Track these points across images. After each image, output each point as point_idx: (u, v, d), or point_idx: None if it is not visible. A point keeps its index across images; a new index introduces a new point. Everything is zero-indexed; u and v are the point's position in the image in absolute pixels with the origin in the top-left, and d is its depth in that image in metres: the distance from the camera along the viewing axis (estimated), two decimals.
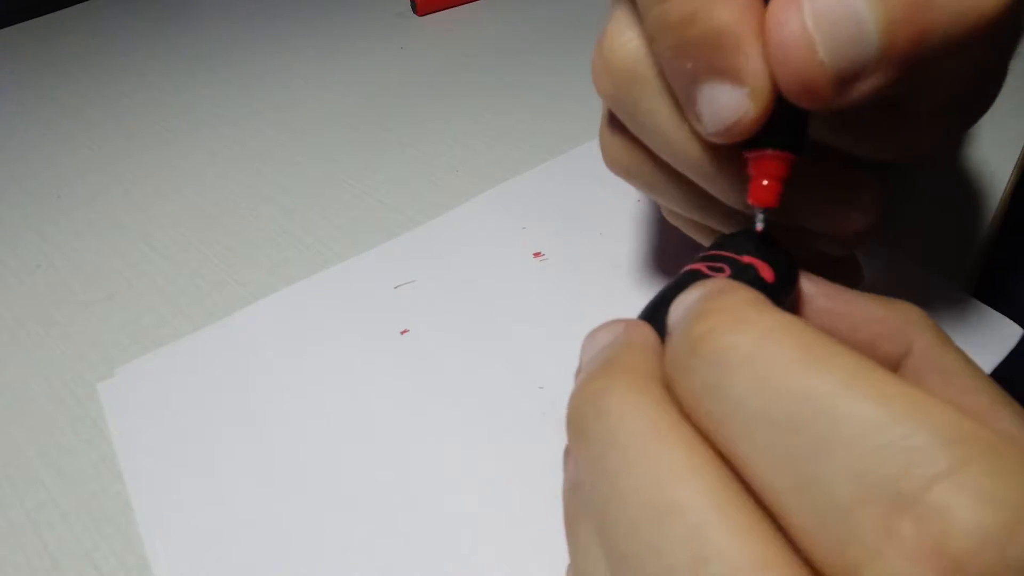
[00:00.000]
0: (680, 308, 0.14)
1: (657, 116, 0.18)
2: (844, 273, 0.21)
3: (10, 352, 0.28)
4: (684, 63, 0.15)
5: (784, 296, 0.17)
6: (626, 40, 0.18)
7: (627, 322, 0.15)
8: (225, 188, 0.37)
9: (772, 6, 0.14)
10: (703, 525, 0.10)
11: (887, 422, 0.10)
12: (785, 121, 0.15)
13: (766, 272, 0.17)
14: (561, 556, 0.18)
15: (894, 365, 0.18)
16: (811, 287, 0.18)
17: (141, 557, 0.21)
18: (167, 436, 0.24)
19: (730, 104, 0.15)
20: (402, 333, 0.26)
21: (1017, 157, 0.33)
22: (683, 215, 0.22)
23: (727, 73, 0.15)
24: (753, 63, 0.14)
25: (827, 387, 0.10)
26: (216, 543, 0.21)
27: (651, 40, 0.16)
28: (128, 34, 0.57)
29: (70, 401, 0.26)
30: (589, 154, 0.36)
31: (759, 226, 0.17)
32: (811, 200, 0.18)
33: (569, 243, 0.30)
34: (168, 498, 0.22)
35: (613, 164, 0.22)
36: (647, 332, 0.15)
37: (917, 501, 0.09)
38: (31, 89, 0.50)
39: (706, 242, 0.23)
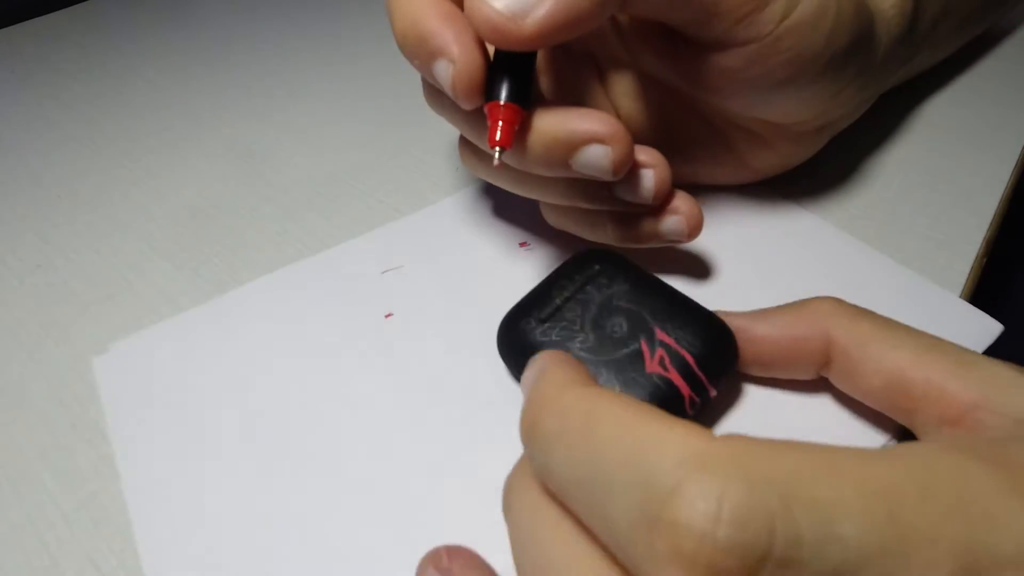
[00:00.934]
0: (524, 387, 0.18)
1: (448, 110, 0.24)
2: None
3: (10, 352, 0.28)
4: (416, 62, 0.21)
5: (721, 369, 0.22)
6: None
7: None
8: (225, 188, 0.37)
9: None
10: (565, 571, 0.14)
11: (640, 461, 0.13)
12: (508, 80, 0.21)
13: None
14: None
15: (826, 356, 0.20)
16: (735, 321, 0.22)
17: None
18: (156, 412, 0.24)
19: (446, 72, 0.20)
20: (386, 316, 0.27)
21: (1017, 157, 0.33)
22: (551, 206, 0.27)
23: (439, 53, 0.20)
24: (444, 40, 0.20)
25: (601, 446, 0.13)
26: (201, 525, 0.21)
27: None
28: (128, 34, 0.57)
29: (70, 401, 0.26)
30: None
31: (495, 163, 0.21)
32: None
33: (554, 234, 0.30)
34: (157, 475, 0.22)
35: (466, 167, 0.27)
36: None
37: (660, 518, 0.12)
38: (31, 89, 0.50)
39: (589, 236, 0.27)
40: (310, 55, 0.50)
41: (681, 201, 0.25)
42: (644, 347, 0.21)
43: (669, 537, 0.12)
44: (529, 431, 0.16)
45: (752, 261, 0.28)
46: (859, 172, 0.33)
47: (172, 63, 0.52)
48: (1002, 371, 0.17)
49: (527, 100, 0.21)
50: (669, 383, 0.20)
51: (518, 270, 0.29)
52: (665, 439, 0.13)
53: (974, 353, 0.18)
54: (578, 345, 0.22)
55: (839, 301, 0.20)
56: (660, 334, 0.21)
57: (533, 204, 0.31)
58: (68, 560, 0.21)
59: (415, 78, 0.46)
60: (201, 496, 0.22)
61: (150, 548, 0.21)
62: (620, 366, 0.21)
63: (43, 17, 0.62)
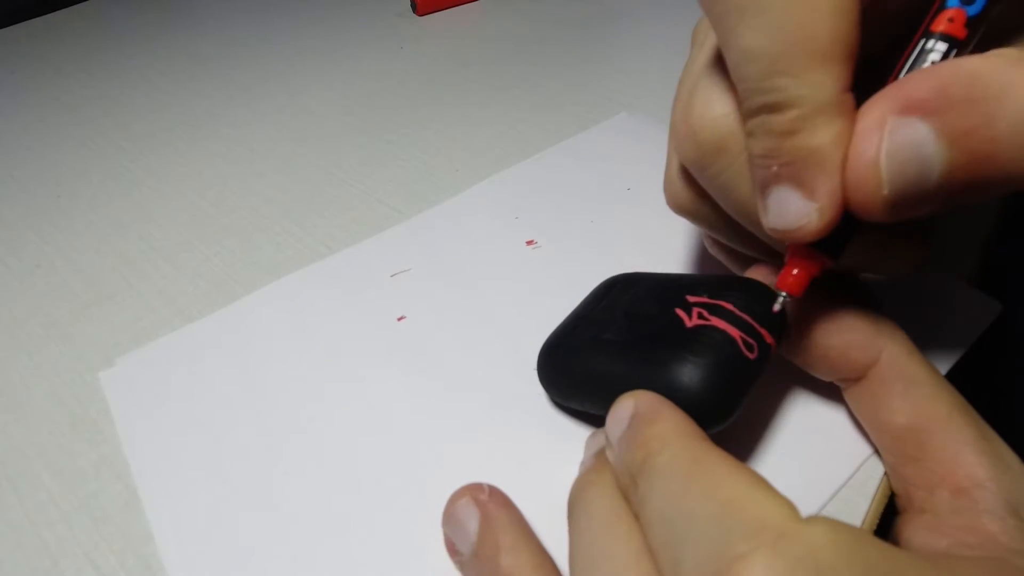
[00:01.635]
0: (617, 423, 0.18)
1: (737, 185, 0.19)
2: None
3: (10, 352, 0.28)
4: (771, 163, 0.16)
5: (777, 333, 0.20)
6: (717, 116, 0.18)
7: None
8: (225, 188, 0.37)
9: (858, 131, 0.15)
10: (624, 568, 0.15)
11: (723, 519, 0.14)
12: (834, 230, 0.16)
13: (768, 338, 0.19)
14: (560, 534, 0.18)
15: (861, 371, 0.20)
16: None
17: (141, 557, 0.21)
18: (170, 423, 0.24)
19: (798, 212, 0.16)
20: (399, 320, 0.27)
21: None
22: (732, 248, 0.23)
23: (805, 186, 0.16)
24: (829, 186, 0.15)
25: (696, 493, 0.15)
26: (222, 527, 0.21)
27: (748, 134, 0.17)
28: (128, 34, 0.57)
29: (70, 401, 0.26)
30: (580, 144, 0.36)
31: (776, 307, 0.18)
32: (862, 247, 0.19)
33: (561, 231, 0.30)
34: (174, 485, 0.22)
35: (677, 207, 0.23)
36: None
37: (722, 575, 0.13)
38: (31, 89, 0.50)
39: (739, 271, 0.24)
40: (310, 55, 0.51)
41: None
42: (680, 313, 0.20)
43: None
44: (643, 463, 0.16)
45: None
46: None
47: (172, 63, 0.52)
48: (1010, 456, 0.17)
49: (837, 257, 0.18)
50: (714, 329, 0.19)
51: (526, 267, 0.29)
52: (753, 507, 0.14)
53: (991, 430, 0.18)
54: (611, 334, 0.21)
55: (896, 326, 0.20)
56: (693, 299, 0.20)
57: (538, 202, 0.31)
58: (68, 560, 0.21)
59: (414, 78, 0.46)
60: (221, 502, 0.22)
61: (174, 560, 0.20)
62: (658, 336, 0.20)
63: (43, 17, 0.62)
